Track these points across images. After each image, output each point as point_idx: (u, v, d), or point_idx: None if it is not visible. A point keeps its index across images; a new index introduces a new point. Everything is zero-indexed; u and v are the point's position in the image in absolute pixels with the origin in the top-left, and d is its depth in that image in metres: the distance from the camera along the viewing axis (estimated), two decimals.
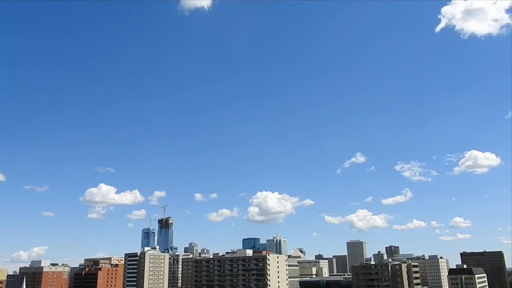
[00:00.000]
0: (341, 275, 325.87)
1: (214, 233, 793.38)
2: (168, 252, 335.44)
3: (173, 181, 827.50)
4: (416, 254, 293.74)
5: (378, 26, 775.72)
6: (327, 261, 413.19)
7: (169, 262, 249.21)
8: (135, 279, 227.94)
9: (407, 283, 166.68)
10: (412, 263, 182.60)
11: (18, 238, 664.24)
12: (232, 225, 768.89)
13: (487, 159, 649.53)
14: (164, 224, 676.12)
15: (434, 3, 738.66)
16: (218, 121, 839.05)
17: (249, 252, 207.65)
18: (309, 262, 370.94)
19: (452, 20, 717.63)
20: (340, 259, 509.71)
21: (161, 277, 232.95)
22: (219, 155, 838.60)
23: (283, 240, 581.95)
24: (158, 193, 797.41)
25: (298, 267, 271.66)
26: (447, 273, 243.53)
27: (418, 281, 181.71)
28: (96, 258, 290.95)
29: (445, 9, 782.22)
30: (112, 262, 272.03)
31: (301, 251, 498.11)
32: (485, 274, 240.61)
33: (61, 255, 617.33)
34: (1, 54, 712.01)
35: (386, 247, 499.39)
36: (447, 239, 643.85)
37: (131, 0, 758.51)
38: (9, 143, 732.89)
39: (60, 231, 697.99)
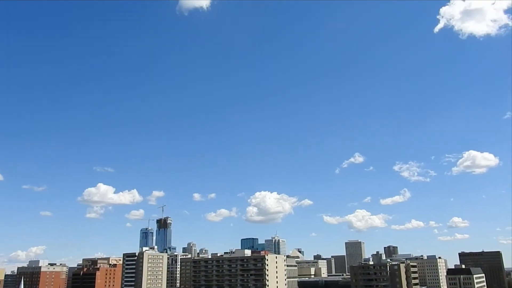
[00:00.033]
0: (339, 275, 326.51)
1: (212, 233, 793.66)
2: (166, 252, 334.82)
3: (171, 181, 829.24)
4: (415, 254, 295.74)
5: (377, 26, 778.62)
6: (325, 261, 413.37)
7: (168, 262, 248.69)
8: (133, 279, 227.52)
9: (406, 283, 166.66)
10: (411, 263, 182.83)
11: (16, 237, 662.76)
12: (231, 225, 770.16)
13: (485, 159, 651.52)
14: (163, 224, 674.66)
15: (433, 4, 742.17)
16: (217, 121, 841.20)
17: (248, 252, 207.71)
18: (307, 262, 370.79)
19: (450, 20, 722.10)
20: (338, 259, 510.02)
21: (160, 277, 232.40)
22: (218, 155, 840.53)
23: (282, 240, 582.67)
24: (156, 193, 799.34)
25: (296, 267, 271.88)
26: (445, 273, 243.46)
27: (417, 281, 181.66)
28: (94, 258, 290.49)
29: (443, 10, 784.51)
30: (110, 262, 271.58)
31: (299, 251, 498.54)
32: (483, 274, 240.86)
33: (59, 255, 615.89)
34: (1, 54, 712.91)
35: (384, 247, 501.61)
36: (445, 239, 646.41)
37: (131, 0, 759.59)
38: (7, 143, 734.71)
39: (58, 231, 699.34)
